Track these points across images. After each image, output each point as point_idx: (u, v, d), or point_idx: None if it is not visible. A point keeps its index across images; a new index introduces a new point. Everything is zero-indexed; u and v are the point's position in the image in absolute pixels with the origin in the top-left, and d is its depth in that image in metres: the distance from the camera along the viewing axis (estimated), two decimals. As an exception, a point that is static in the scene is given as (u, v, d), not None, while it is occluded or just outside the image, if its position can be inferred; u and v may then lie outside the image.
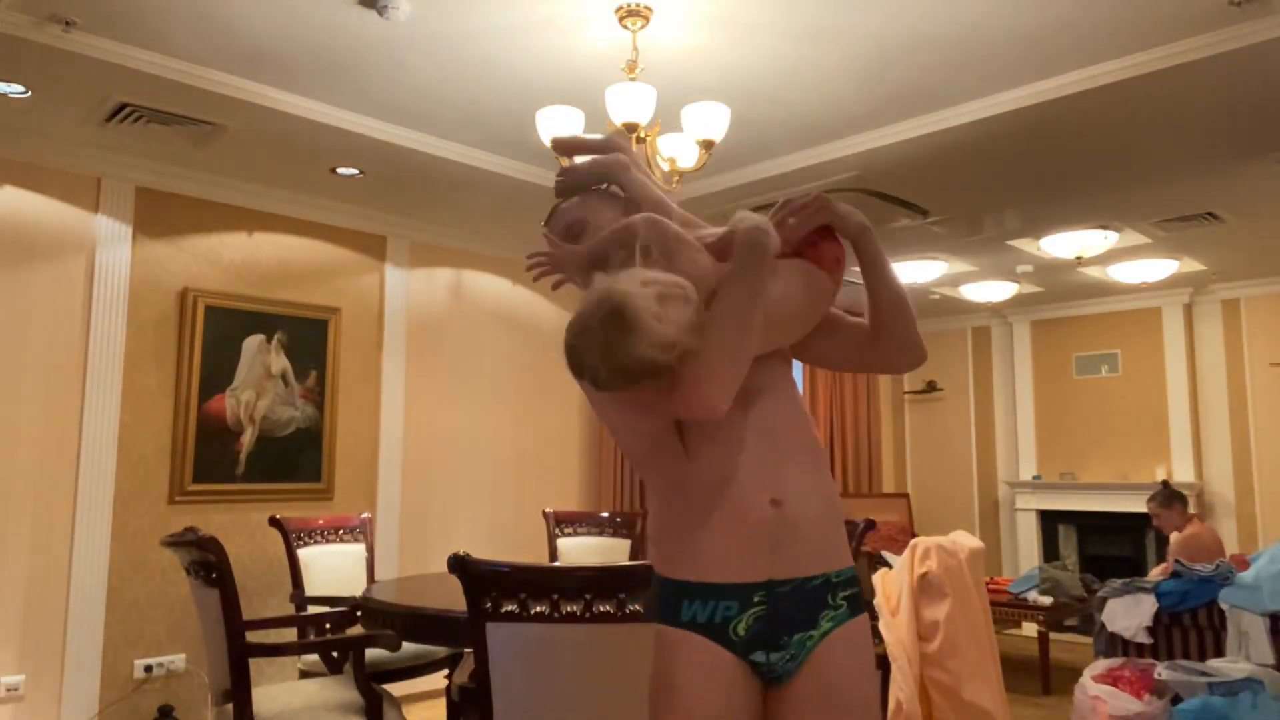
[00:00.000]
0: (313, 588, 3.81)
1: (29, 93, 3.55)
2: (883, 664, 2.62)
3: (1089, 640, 5.08)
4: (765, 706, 1.44)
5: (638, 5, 2.97)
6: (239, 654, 2.59)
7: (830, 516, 1.50)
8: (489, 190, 4.69)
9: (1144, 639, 4.30)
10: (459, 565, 1.99)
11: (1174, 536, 5.23)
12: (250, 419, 4.59)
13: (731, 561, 1.41)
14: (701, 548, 1.43)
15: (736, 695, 1.40)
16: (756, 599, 1.41)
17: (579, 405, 6.05)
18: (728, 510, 1.41)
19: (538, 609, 1.98)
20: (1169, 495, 5.22)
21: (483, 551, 2.26)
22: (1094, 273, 6.39)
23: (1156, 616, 4.28)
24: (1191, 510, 5.52)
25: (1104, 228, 5.26)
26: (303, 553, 3.87)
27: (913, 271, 6.13)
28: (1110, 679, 3.83)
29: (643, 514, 4.47)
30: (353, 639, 2.93)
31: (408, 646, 3.21)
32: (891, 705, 3.78)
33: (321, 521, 4.05)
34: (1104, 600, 4.51)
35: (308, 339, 4.83)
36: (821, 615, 1.43)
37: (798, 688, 1.42)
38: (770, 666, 1.41)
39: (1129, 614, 4.37)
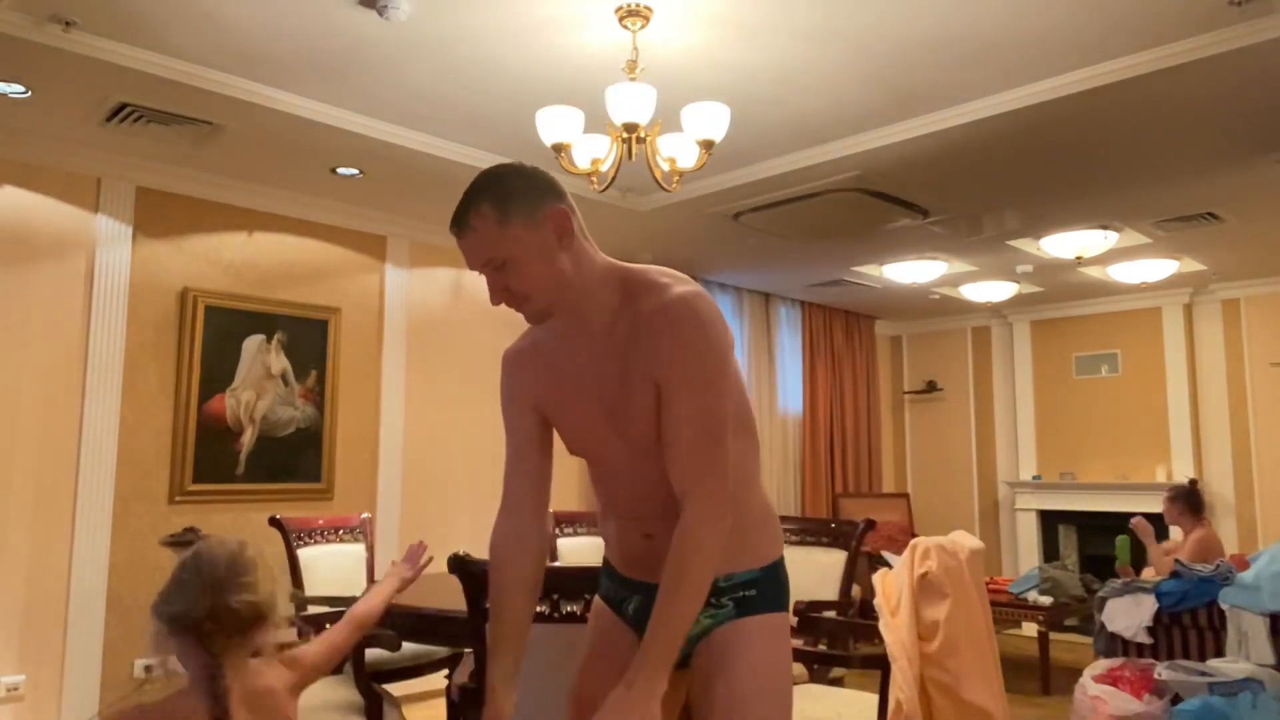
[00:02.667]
0: (313, 588, 3.81)
1: (29, 93, 3.55)
2: (883, 664, 2.62)
3: (1089, 640, 5.07)
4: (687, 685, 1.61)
5: (638, 5, 2.97)
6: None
7: None
8: (489, 190, 4.69)
9: (1144, 639, 4.29)
10: (459, 565, 1.99)
11: (1175, 531, 5.22)
12: (250, 419, 4.59)
13: (621, 563, 1.63)
14: (609, 544, 1.66)
15: (626, 655, 1.54)
16: (642, 591, 1.58)
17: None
18: (615, 529, 1.60)
19: (538, 609, 1.98)
20: (1187, 493, 5.16)
21: (483, 551, 2.26)
22: (1094, 273, 6.39)
23: (1156, 616, 4.28)
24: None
25: (1104, 228, 5.27)
26: (303, 553, 3.86)
27: (913, 271, 6.13)
28: (1110, 679, 3.83)
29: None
30: (353, 639, 2.92)
31: (408, 646, 3.20)
32: (891, 705, 3.78)
33: (321, 521, 4.04)
34: (1104, 600, 4.51)
35: (308, 339, 4.83)
36: (700, 613, 1.48)
37: (695, 672, 1.56)
38: None
39: (1129, 614, 4.36)
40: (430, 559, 2.08)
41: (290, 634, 1.72)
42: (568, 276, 1.45)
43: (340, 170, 4.43)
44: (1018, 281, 6.65)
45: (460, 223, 1.43)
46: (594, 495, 1.65)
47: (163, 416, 4.36)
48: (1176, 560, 4.54)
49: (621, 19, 3.02)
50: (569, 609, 1.98)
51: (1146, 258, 5.91)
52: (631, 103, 2.96)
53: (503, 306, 1.48)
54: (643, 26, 3.05)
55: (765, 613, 1.55)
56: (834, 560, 3.50)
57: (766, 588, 1.56)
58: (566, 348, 1.55)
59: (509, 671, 1.54)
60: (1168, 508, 5.11)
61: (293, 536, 3.87)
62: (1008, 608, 5.47)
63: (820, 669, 3.00)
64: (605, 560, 1.69)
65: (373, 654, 3.18)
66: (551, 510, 4.45)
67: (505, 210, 1.41)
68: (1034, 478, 7.55)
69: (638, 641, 1.57)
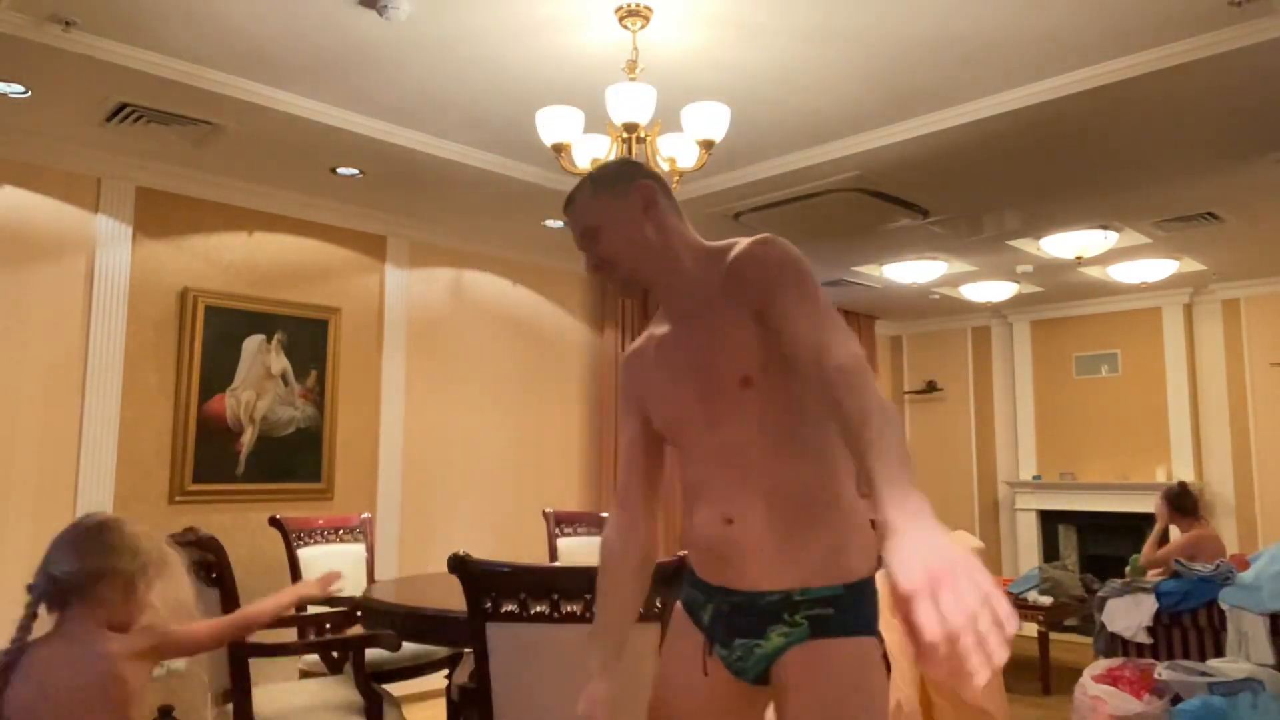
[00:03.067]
0: (313, 588, 3.81)
1: (29, 93, 3.55)
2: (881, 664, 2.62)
3: (1089, 640, 5.08)
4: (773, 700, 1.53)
5: (638, 5, 2.97)
6: (239, 654, 2.59)
7: (789, 535, 1.45)
8: (489, 190, 4.69)
9: (1144, 639, 4.30)
10: (459, 565, 1.99)
11: (1175, 531, 5.24)
12: (250, 419, 4.59)
13: (700, 562, 1.60)
14: (689, 542, 1.63)
15: (697, 668, 1.56)
16: (715, 599, 1.55)
17: (579, 405, 6.05)
18: (696, 520, 1.57)
19: (538, 609, 1.99)
20: (1174, 495, 5.17)
21: (483, 551, 2.26)
22: (1094, 273, 6.39)
23: (1156, 616, 4.29)
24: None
25: (1104, 228, 5.26)
26: (303, 553, 3.86)
27: (913, 271, 6.13)
28: (1110, 679, 3.83)
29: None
30: (353, 639, 2.93)
31: (408, 646, 3.21)
32: (891, 705, 3.78)
33: (321, 521, 4.04)
34: (1104, 600, 4.51)
35: (308, 339, 4.83)
36: (772, 629, 1.44)
37: (777, 693, 1.47)
38: (727, 660, 1.53)
39: (1129, 614, 4.37)
40: (340, 590, 2.26)
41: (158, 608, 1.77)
42: (653, 246, 1.58)
43: (340, 170, 4.43)
44: (1018, 281, 6.65)
45: (568, 200, 1.65)
46: (681, 494, 1.67)
47: (162, 416, 4.36)
48: (1176, 560, 4.55)
49: (621, 19, 3.02)
50: (568, 609, 1.98)
51: (1146, 258, 5.91)
52: (631, 103, 2.96)
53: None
54: (643, 26, 3.05)
55: (847, 635, 1.40)
56: (834, 560, 3.50)
57: (848, 607, 1.41)
58: (666, 328, 1.64)
59: (610, 656, 1.59)
60: (1158, 508, 5.14)
61: (293, 536, 3.87)
62: (1008, 608, 5.46)
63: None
64: (687, 565, 1.67)
65: (373, 654, 3.18)
66: (551, 510, 4.47)
67: (599, 185, 1.61)
68: (1034, 478, 7.55)
69: (703, 647, 1.55)
